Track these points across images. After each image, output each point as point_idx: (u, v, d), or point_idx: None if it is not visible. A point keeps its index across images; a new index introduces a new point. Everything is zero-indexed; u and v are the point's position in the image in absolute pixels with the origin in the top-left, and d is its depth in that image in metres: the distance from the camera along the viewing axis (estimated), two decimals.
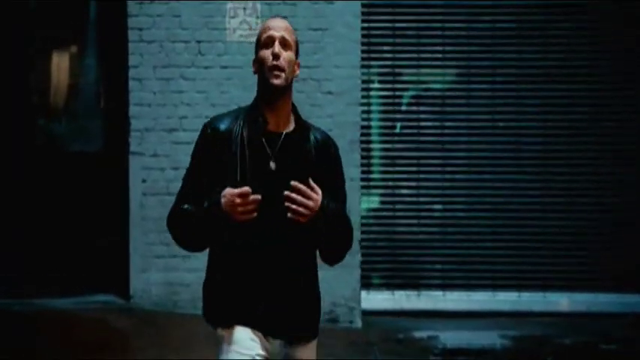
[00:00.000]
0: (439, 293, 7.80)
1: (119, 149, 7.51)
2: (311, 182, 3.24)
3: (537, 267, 7.83)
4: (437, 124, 7.88)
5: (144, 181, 7.36)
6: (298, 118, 3.44)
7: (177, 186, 7.00)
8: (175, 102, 7.36)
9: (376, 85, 7.83)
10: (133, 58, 7.37)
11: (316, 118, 7.15)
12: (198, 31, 7.40)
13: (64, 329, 6.74)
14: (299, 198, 3.18)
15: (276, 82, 3.28)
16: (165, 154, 7.34)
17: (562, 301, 7.79)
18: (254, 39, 7.93)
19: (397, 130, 7.81)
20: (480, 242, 7.84)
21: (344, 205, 3.51)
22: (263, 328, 3.37)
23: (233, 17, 7.35)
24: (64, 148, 7.77)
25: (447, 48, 7.86)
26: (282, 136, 3.32)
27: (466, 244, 7.83)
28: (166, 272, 7.29)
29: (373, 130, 7.82)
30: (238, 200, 3.13)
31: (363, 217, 7.60)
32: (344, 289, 7.38)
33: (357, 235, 7.27)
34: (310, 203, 3.22)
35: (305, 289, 3.49)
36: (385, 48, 7.84)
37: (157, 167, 7.34)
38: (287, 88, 3.36)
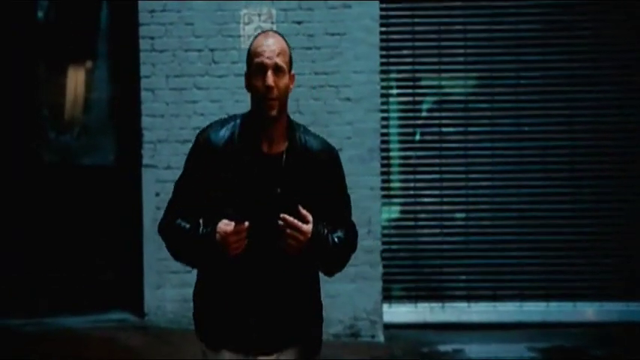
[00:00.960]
0: (464, 305, 7.70)
1: (132, 162, 7.50)
2: (301, 210, 3.20)
3: (566, 276, 7.71)
4: (459, 129, 7.78)
5: (157, 194, 7.29)
6: (292, 133, 3.36)
7: None
8: (189, 112, 7.32)
9: (396, 91, 7.75)
10: (145, 67, 7.35)
11: (334, 125, 7.30)
12: (212, 39, 7.38)
13: (76, 349, 6.69)
14: (288, 231, 3.15)
15: (272, 113, 3.22)
16: (179, 167, 6.51)
17: (592, 311, 7.68)
18: None
19: (417, 138, 7.74)
20: (506, 251, 7.72)
21: (348, 210, 3.47)
22: (255, 350, 3.37)
23: (247, 24, 7.33)
24: (75, 162, 7.79)
25: (469, 51, 7.75)
26: (283, 161, 3.27)
27: (491, 253, 7.72)
28: (182, 288, 7.19)
29: (393, 137, 7.73)
30: (233, 238, 3.13)
31: (383, 227, 7.52)
32: (365, 303, 7.35)
33: (377, 245, 7.31)
34: (300, 237, 3.18)
35: (304, 310, 3.44)
36: (405, 52, 7.74)
37: (171, 180, 6.60)
38: (283, 112, 3.30)
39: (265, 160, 3.25)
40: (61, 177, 7.72)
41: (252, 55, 3.27)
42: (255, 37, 3.35)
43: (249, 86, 3.31)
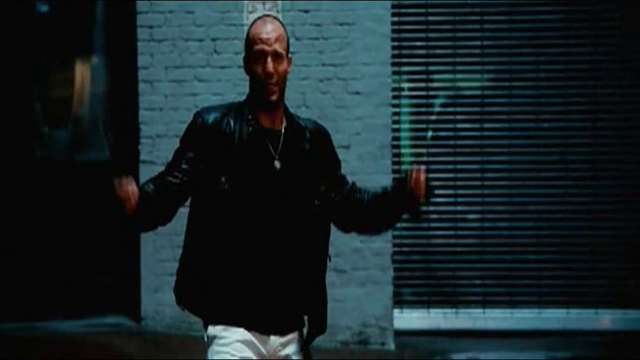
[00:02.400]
0: (479, 311, 7.62)
1: (129, 158, 7.37)
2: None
3: (587, 281, 7.60)
4: (475, 126, 7.67)
5: None
6: (288, 114, 3.56)
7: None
8: (189, 106, 7.14)
9: (408, 85, 7.68)
10: (143, 58, 7.28)
11: (343, 120, 7.23)
12: (214, 28, 7.30)
13: (68, 356, 6.67)
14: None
15: (272, 97, 3.43)
16: None
17: (615, 319, 7.56)
18: None
19: (430, 134, 7.68)
20: (524, 254, 7.63)
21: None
22: (261, 326, 3.46)
23: (251, 12, 7.22)
24: (68, 158, 7.74)
25: (486, 42, 7.62)
26: (282, 136, 3.45)
27: (508, 256, 7.62)
28: None
29: (404, 134, 7.68)
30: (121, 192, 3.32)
31: (394, 229, 7.30)
32: (375, 308, 7.28)
33: (388, 248, 7.28)
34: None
35: (313, 287, 3.56)
36: (417, 43, 7.64)
37: None
38: (282, 96, 3.49)
39: (266, 134, 3.42)
40: (54, 174, 7.69)
41: (251, 41, 3.44)
42: (254, 22, 3.50)
43: (248, 71, 3.48)
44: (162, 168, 6.80)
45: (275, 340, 3.49)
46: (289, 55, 3.51)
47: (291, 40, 7.02)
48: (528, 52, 7.62)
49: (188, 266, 3.53)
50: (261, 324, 3.45)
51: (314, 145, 3.53)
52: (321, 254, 3.57)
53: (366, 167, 7.14)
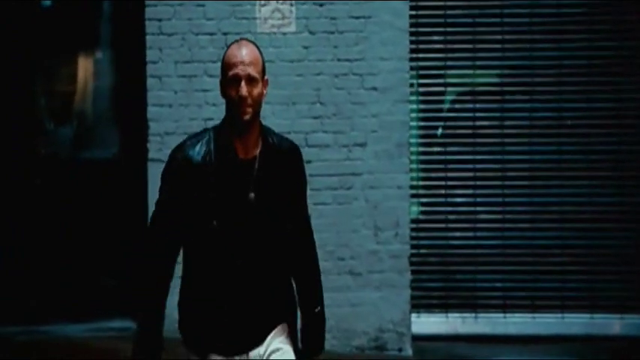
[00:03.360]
0: (499, 315, 7.53)
1: (136, 156, 7.38)
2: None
3: (612, 285, 7.50)
4: (495, 123, 7.55)
5: None
6: (263, 135, 3.68)
7: None
8: (199, 102, 7.19)
9: (426, 80, 7.55)
10: (152, 52, 7.21)
11: (359, 117, 7.16)
12: (225, 22, 7.21)
13: None
14: None
15: (245, 117, 3.54)
16: None
17: None
18: (288, 29, 7.34)
19: (448, 132, 7.54)
20: (546, 257, 7.51)
21: (306, 213, 3.86)
22: (232, 350, 3.68)
23: (264, 5, 7.17)
24: (74, 156, 7.71)
25: (507, 37, 7.49)
26: (256, 164, 3.60)
27: (530, 258, 7.51)
28: None
29: (422, 131, 7.56)
30: None
31: (412, 230, 7.35)
32: (392, 313, 7.21)
33: (406, 250, 7.21)
34: None
35: (278, 305, 3.77)
36: (436, 38, 7.52)
37: None
38: (256, 117, 3.60)
39: (240, 166, 3.58)
40: (59, 172, 7.66)
41: (225, 66, 3.60)
42: (229, 46, 3.66)
43: (224, 95, 3.61)
44: None
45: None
46: (265, 78, 3.64)
47: (305, 34, 7.16)
48: (550, 47, 7.50)
49: (183, 294, 3.80)
50: (232, 346, 3.69)
51: (286, 166, 3.70)
52: (284, 268, 3.78)
53: (383, 166, 7.09)
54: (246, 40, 3.70)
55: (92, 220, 7.58)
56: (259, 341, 3.71)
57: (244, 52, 3.57)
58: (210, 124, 6.92)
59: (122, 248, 7.52)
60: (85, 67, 7.83)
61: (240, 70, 3.54)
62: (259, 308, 3.65)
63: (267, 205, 3.61)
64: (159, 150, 7.15)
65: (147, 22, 7.18)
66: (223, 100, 6.87)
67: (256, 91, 3.55)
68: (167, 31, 7.20)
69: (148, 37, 7.18)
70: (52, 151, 7.72)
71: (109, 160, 7.63)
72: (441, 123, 7.56)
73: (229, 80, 3.57)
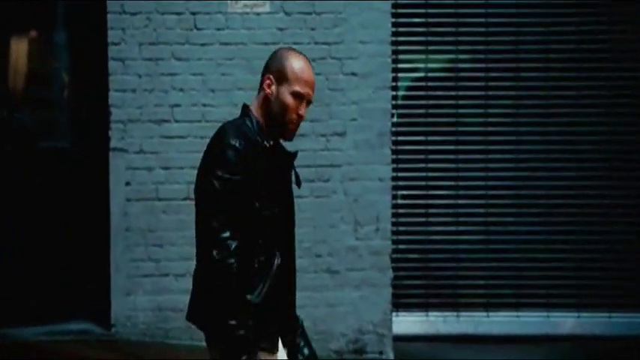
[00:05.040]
0: (482, 314, 7.51)
1: (97, 145, 7.27)
2: None
3: (600, 282, 7.47)
4: (479, 111, 7.46)
5: (128, 183, 7.12)
6: None
7: (168, 189, 6.94)
8: (166, 87, 7.09)
9: (409, 65, 7.48)
10: (114, 33, 7.09)
11: (337, 105, 7.05)
12: (193, 2, 7.09)
13: None
14: None
15: (290, 136, 3.73)
16: (154, 151, 7.13)
17: (631, 323, 7.40)
18: (261, 9, 7.05)
19: (429, 120, 7.40)
20: (532, 252, 7.46)
21: None
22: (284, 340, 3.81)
23: None
24: (30, 146, 7.55)
25: (491, 20, 7.41)
26: (295, 158, 3.81)
27: (515, 255, 7.46)
28: (156, 295, 7.11)
29: (402, 120, 7.43)
30: None
31: (393, 224, 7.24)
32: (372, 313, 7.13)
33: (387, 246, 7.12)
34: None
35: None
36: (416, 20, 7.43)
37: (144, 167, 7.12)
38: None
39: (285, 158, 3.76)
40: (12, 163, 7.49)
41: (299, 78, 3.67)
42: (299, 56, 3.73)
43: (279, 101, 3.68)
44: (135, 156, 7.00)
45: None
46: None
47: (280, 15, 7.08)
48: (537, 32, 7.44)
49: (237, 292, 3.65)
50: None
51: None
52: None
53: (363, 157, 7.00)
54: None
55: (49, 214, 7.44)
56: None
57: (312, 74, 3.72)
58: (178, 111, 7.12)
59: (82, 245, 7.41)
60: (40, 48, 7.75)
61: (309, 92, 3.69)
62: (292, 302, 3.86)
63: (291, 195, 3.83)
64: (121, 139, 7.07)
65: (108, 1, 7.07)
66: (192, 86, 7.01)
67: (305, 113, 3.75)
68: (130, 10, 7.08)
69: (109, 17, 7.07)
70: (5, 140, 7.58)
71: (67, 150, 7.54)
72: (422, 111, 7.46)
73: (297, 95, 3.66)
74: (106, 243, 7.13)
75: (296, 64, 3.69)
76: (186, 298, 6.83)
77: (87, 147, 7.47)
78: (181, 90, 7.07)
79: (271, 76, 3.67)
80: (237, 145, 3.57)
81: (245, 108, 3.72)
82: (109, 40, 7.08)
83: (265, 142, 3.64)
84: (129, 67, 7.11)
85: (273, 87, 3.66)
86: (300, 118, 3.68)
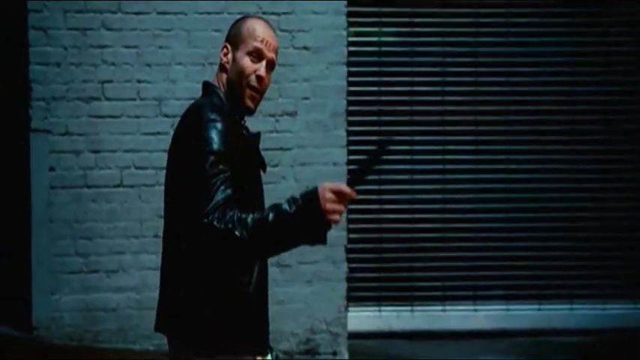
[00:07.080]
0: (438, 308, 7.44)
1: (16, 126, 7.03)
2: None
3: (562, 272, 7.43)
4: (436, 89, 7.33)
5: (52, 169, 6.92)
6: None
7: (98, 175, 6.66)
8: (95, 61, 6.87)
9: (365, 39, 7.33)
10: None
11: (287, 82, 6.92)
12: None
13: None
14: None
15: (251, 105, 3.51)
16: (82, 132, 6.94)
17: (593, 315, 7.44)
18: None
19: (384, 98, 7.16)
20: (491, 241, 7.40)
21: None
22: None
23: None
24: None
25: None
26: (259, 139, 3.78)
27: (473, 244, 7.41)
28: (84, 293, 6.90)
29: (353, 98, 7.20)
30: (340, 205, 3.30)
31: (347, 212, 6.93)
32: (325, 310, 7.04)
33: (342, 238, 6.99)
34: None
35: None
36: None
37: (70, 150, 6.93)
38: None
39: (252, 138, 3.64)
40: None
41: (252, 36, 3.53)
42: (254, 18, 3.61)
43: (234, 65, 3.52)
44: (59, 138, 6.88)
45: None
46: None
47: None
48: (499, 4, 7.32)
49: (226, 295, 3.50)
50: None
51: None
52: None
53: (316, 139, 6.88)
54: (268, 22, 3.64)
55: None
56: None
57: (273, 35, 3.55)
58: (109, 88, 6.68)
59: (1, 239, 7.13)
60: None
61: (268, 51, 3.48)
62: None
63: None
64: (44, 118, 6.80)
65: None
66: (125, 59, 6.54)
67: (268, 79, 3.52)
68: None
69: None
70: None
71: None
72: (375, 89, 7.30)
73: (252, 52, 3.47)
74: (27, 235, 6.93)
75: (253, 23, 3.55)
76: (119, 297, 6.74)
77: (4, 128, 7.24)
78: (113, 64, 6.86)
79: (227, 44, 3.53)
80: (218, 119, 3.39)
81: (207, 85, 3.53)
82: (29, 7, 6.82)
83: (237, 117, 3.49)
84: (52, 38, 6.85)
85: (229, 55, 3.52)
86: (262, 81, 3.45)
